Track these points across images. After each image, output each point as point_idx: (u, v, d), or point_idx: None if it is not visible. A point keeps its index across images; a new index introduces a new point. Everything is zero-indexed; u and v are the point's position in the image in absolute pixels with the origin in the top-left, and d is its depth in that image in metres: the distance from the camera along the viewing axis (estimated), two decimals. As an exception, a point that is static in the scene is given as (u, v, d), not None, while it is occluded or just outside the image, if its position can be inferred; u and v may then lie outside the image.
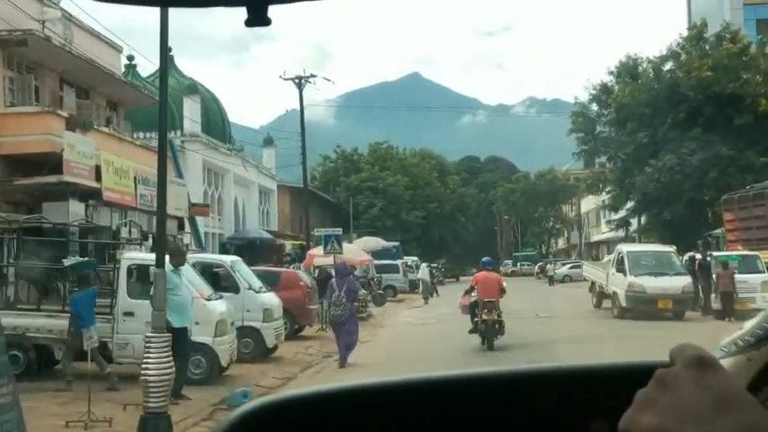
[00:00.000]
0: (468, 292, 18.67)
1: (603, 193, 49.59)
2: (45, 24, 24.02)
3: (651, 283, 23.98)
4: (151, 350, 9.78)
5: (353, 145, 76.77)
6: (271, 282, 20.01)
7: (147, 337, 9.93)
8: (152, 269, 12.27)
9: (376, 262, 41.25)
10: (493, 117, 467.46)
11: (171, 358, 10.10)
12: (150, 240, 27.27)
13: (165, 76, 12.14)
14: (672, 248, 27.12)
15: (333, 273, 20.60)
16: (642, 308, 23.77)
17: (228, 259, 17.29)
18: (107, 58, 28.54)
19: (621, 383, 0.94)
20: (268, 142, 55.09)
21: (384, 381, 1.19)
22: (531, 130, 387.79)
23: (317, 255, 27.38)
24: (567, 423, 1.10)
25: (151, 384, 9.55)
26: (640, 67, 42.72)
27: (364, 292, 28.71)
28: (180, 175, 31.27)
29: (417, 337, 21.62)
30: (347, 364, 15.98)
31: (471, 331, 17.89)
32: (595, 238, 77.95)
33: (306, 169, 42.52)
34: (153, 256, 13.11)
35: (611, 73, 43.40)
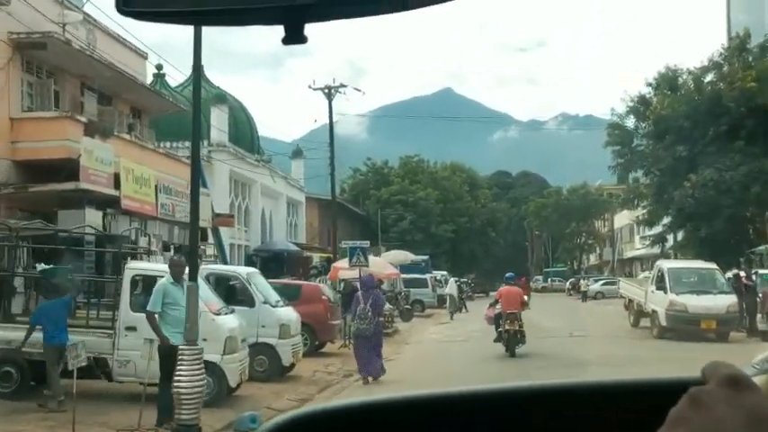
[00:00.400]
0: (492, 305, 20.26)
1: (639, 209, 48.20)
2: (66, 28, 23.39)
3: (694, 302, 22.61)
4: (183, 362, 9.83)
5: (385, 159, 76.01)
6: (291, 295, 19.19)
7: (180, 349, 9.96)
8: (159, 280, 11.39)
9: (404, 276, 40.44)
10: (525, 132, 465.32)
11: (203, 370, 10.14)
12: (172, 251, 26.60)
13: (198, 91, 12.80)
14: (715, 265, 25.65)
15: (358, 286, 19.95)
16: (684, 328, 22.38)
17: (244, 271, 16.30)
18: (132, 65, 27.90)
19: (651, 399, 0.99)
20: (297, 154, 54.50)
21: (414, 395, 1.20)
22: (563, 146, 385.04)
23: (342, 267, 26.41)
24: None
25: (183, 396, 9.66)
26: (680, 79, 41.32)
27: (390, 307, 27.67)
28: (204, 184, 30.40)
29: (443, 356, 20.52)
30: (376, 380, 15.36)
31: (496, 340, 19.31)
32: (629, 254, 76.75)
33: (334, 181, 41.74)
34: (160, 266, 12.25)
35: (649, 84, 42.06)
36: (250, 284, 15.20)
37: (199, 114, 13.56)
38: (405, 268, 41.22)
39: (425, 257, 50.09)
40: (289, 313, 15.90)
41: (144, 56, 30.04)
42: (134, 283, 12.33)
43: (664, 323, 23.07)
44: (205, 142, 37.42)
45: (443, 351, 21.79)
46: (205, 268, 15.43)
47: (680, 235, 44.32)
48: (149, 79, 35.23)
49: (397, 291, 37.95)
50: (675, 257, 42.17)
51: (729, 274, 25.49)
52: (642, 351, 19.66)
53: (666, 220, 43.19)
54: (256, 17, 0.99)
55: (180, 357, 9.89)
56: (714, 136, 37.28)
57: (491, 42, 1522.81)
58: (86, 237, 20.28)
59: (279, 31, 0.98)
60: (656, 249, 50.68)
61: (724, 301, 22.75)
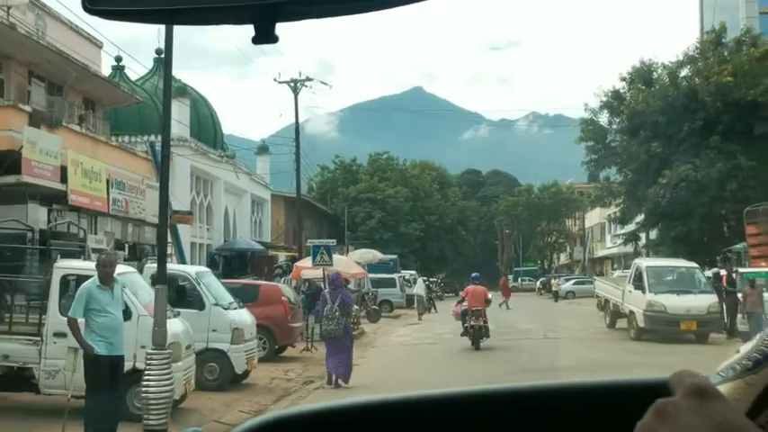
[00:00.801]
0: (459, 303, 22.08)
1: (612, 206, 47.36)
2: (10, 11, 21.95)
3: (673, 302, 21.49)
4: (152, 367, 9.67)
5: (358, 163, 74.51)
6: (249, 296, 18.04)
7: (148, 353, 9.76)
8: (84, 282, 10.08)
9: (372, 275, 39.40)
10: (495, 132, 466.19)
11: (171, 375, 9.90)
12: (126, 250, 25.19)
13: (169, 88, 12.58)
14: (695, 264, 24.60)
15: (323, 286, 19.03)
16: (663, 329, 21.32)
17: (193, 270, 14.88)
18: (86, 54, 26.49)
19: (621, 401, 0.99)
20: (262, 150, 53.14)
21: (386, 398, 1.19)
22: (533, 146, 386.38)
23: (306, 267, 25.16)
24: None
25: (152, 401, 9.48)
26: (655, 73, 40.45)
27: (357, 307, 26.50)
28: (162, 179, 29.08)
29: (411, 360, 19.26)
30: (347, 386, 14.44)
31: (462, 334, 20.99)
32: (600, 253, 76.37)
33: (299, 177, 40.57)
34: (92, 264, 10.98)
35: (623, 79, 41.10)
36: (200, 285, 13.84)
37: (169, 111, 13.12)
38: (373, 268, 40.22)
39: (394, 257, 49.13)
40: (242, 316, 14.61)
41: (99, 45, 28.63)
42: (65, 283, 10.99)
43: (642, 324, 21.97)
44: (165, 137, 36.13)
45: (411, 355, 20.57)
46: (150, 267, 14.11)
47: (654, 233, 43.54)
48: (106, 70, 33.86)
49: (364, 291, 36.82)
50: (647, 256, 41.37)
51: (709, 273, 24.55)
52: (620, 354, 18.59)
53: (640, 217, 42.39)
54: (226, 16, 0.98)
55: (148, 362, 9.65)
56: (689, 131, 36.47)
57: (462, 41, 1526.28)
58: (28, 234, 18.93)
59: (249, 29, 0.96)
60: (629, 248, 50.02)
61: (705, 302, 21.67)
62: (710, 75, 36.25)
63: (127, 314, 10.21)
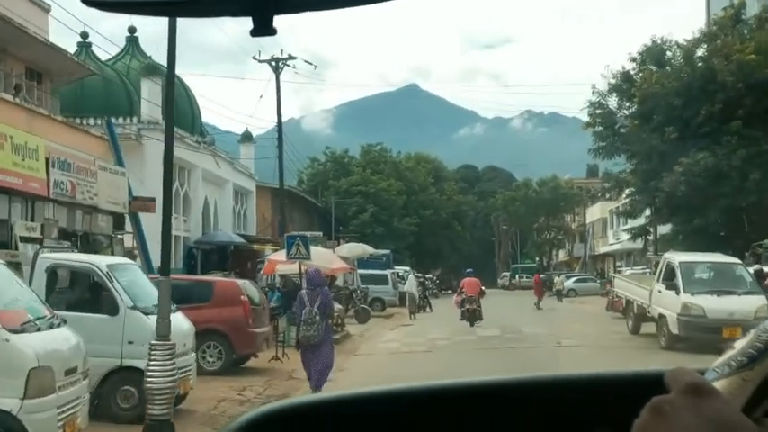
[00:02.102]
0: (459, 293, 27.86)
1: (619, 199, 44.09)
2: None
3: (713, 305, 18.04)
4: (155, 358, 9.27)
5: (350, 155, 71.43)
6: (202, 295, 15.05)
7: (152, 344, 9.37)
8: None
9: (362, 271, 36.48)
10: (490, 130, 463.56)
11: (174, 365, 9.47)
12: (79, 241, 21.75)
13: (172, 83, 11.47)
14: (737, 259, 21.00)
15: (301, 283, 16.51)
16: (701, 336, 17.66)
17: (104, 262, 11.09)
18: (31, 18, 23.10)
19: (620, 392, 1.02)
20: (246, 138, 49.90)
21: (387, 389, 1.18)
22: (528, 144, 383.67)
23: (280, 261, 21.81)
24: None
25: (155, 392, 9.18)
26: (668, 53, 37.07)
27: (340, 307, 23.17)
28: (120, 162, 25.70)
29: (397, 377, 15.66)
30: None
31: (461, 318, 26.61)
32: (601, 249, 73.35)
33: (282, 163, 37.64)
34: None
35: (633, 60, 37.67)
36: (112, 282, 10.27)
37: (173, 103, 11.75)
38: (364, 263, 37.48)
39: (387, 252, 46.50)
40: (173, 322, 11.15)
41: (46, 8, 25.12)
42: None
43: (675, 331, 18.42)
44: (135, 119, 33.34)
45: (398, 367, 16.85)
46: (48, 257, 10.61)
47: (666, 227, 40.26)
48: (71, 47, 30.76)
49: (352, 287, 33.68)
50: (656, 253, 38.10)
51: (750, 270, 21.06)
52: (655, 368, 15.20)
53: (649, 211, 39.18)
54: (225, 8, 0.98)
55: (151, 353, 9.29)
56: (707, 115, 33.13)
57: (458, 38, 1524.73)
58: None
59: (247, 22, 0.95)
60: (636, 244, 46.99)
61: (752, 304, 17.96)
62: (731, 53, 32.90)
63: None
